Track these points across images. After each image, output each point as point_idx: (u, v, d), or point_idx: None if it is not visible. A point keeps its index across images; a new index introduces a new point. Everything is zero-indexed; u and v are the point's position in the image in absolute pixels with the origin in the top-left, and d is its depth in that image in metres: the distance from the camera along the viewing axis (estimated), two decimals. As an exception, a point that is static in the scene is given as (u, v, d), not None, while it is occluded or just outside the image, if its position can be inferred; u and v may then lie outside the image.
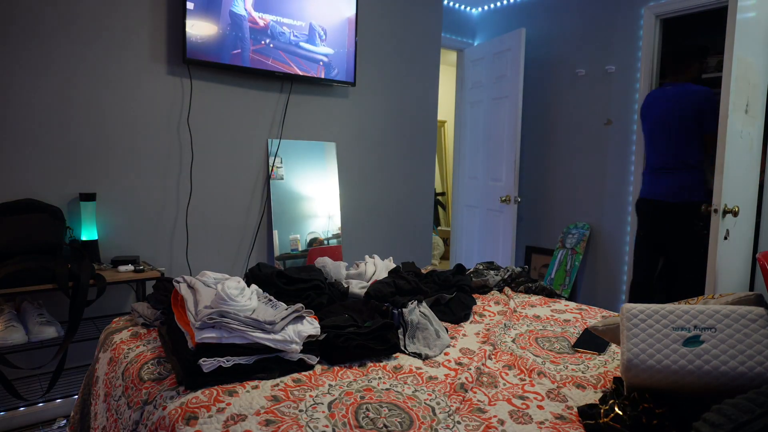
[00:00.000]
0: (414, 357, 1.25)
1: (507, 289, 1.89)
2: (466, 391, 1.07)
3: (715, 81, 2.91)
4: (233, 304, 1.14)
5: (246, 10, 2.62)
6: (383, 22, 3.30)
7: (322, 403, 0.99)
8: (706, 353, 0.91)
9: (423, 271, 1.89)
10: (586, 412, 0.97)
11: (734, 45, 2.28)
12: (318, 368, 1.15)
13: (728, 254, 2.50)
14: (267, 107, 2.85)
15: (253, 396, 1.00)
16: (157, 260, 2.52)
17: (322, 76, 2.93)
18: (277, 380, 1.08)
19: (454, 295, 1.64)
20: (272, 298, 1.28)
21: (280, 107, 2.89)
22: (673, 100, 2.72)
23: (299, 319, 1.19)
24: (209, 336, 1.07)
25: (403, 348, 1.28)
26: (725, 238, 2.42)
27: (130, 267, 2.21)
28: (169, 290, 1.37)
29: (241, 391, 1.02)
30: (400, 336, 1.31)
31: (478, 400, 1.03)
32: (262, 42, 2.69)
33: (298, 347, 1.13)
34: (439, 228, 6.12)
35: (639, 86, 3.41)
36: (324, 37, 2.92)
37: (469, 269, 2.05)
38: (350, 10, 2.99)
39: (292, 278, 1.53)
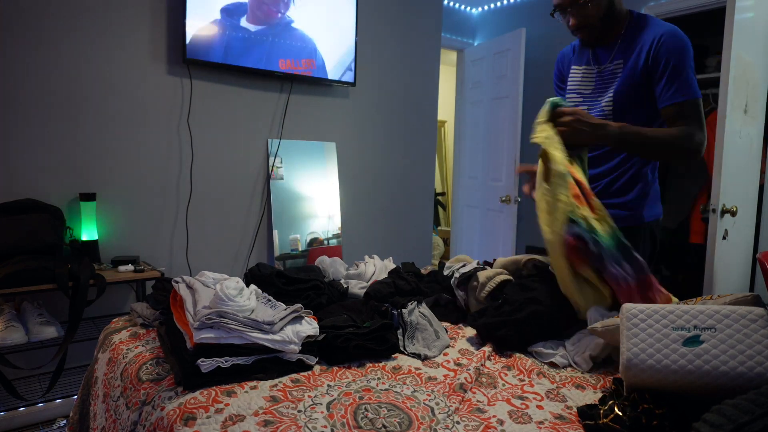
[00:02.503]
0: (413, 357, 1.25)
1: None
2: (465, 391, 1.06)
3: (714, 81, 2.91)
4: (232, 304, 1.14)
5: (246, 9, 2.62)
6: (383, 22, 3.30)
7: (321, 404, 0.99)
8: (705, 353, 0.91)
9: (423, 271, 1.89)
10: (585, 412, 0.96)
11: (732, 45, 2.28)
12: (317, 368, 1.15)
13: (727, 254, 2.50)
14: (267, 107, 2.85)
15: (251, 396, 1.00)
16: (157, 260, 2.52)
17: (322, 76, 2.93)
18: (276, 380, 1.07)
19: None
20: (271, 298, 1.27)
21: (280, 107, 2.89)
22: None
23: (298, 319, 1.19)
24: (208, 336, 1.07)
25: (402, 348, 1.28)
26: (724, 238, 2.42)
27: (130, 267, 2.21)
28: (169, 290, 1.37)
29: (239, 391, 1.02)
30: (400, 336, 1.31)
31: (477, 401, 1.03)
32: (263, 42, 2.69)
33: (296, 347, 1.13)
34: (439, 228, 6.11)
35: (639, 86, 3.40)
36: (324, 37, 2.92)
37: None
38: (350, 11, 2.99)
39: (292, 278, 1.53)
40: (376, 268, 1.80)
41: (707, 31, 3.44)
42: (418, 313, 1.36)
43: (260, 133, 2.84)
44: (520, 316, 1.28)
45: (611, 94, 1.54)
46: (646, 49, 1.48)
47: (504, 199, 3.90)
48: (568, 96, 1.67)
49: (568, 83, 1.66)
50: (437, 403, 1.02)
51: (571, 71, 1.67)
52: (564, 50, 1.78)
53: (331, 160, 3.12)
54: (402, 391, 1.06)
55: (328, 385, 1.07)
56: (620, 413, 0.90)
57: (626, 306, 1.03)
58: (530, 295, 1.33)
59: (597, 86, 1.59)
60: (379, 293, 1.50)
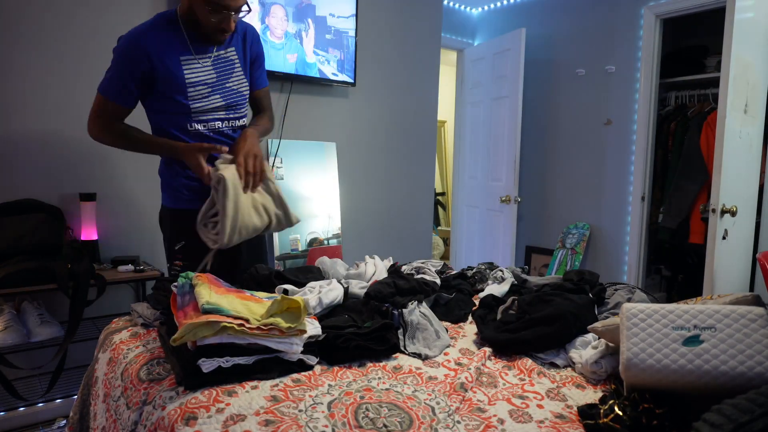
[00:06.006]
0: (414, 357, 1.25)
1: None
2: (466, 390, 1.07)
3: (714, 81, 2.91)
4: (233, 304, 1.14)
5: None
6: (383, 22, 3.30)
7: (322, 403, 0.99)
8: (705, 353, 0.92)
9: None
10: (585, 412, 0.96)
11: (732, 45, 2.28)
12: (317, 368, 1.15)
13: (727, 254, 2.50)
14: (267, 107, 2.85)
15: (252, 396, 1.00)
16: (157, 260, 2.52)
17: (322, 76, 2.93)
18: (277, 380, 1.08)
19: (454, 295, 1.64)
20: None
21: (280, 107, 2.89)
22: None
23: (299, 319, 1.19)
24: (209, 336, 1.07)
25: (402, 348, 1.28)
26: (724, 238, 2.42)
27: (130, 267, 2.21)
28: (169, 290, 1.37)
29: (240, 391, 1.02)
30: (400, 336, 1.31)
31: (478, 400, 1.03)
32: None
33: (298, 348, 1.13)
34: (439, 228, 6.11)
35: (639, 86, 3.41)
36: (324, 37, 2.92)
37: (473, 268, 2.05)
38: (350, 11, 3.00)
39: (290, 280, 1.53)
40: (377, 268, 1.80)
41: (707, 31, 3.44)
42: (418, 312, 1.36)
43: (260, 133, 2.84)
44: (528, 335, 1.26)
45: (243, 78, 1.72)
46: (242, 38, 1.72)
47: (504, 199, 3.90)
48: (190, 90, 1.61)
49: (186, 76, 1.59)
50: (438, 403, 1.02)
51: (184, 63, 1.60)
52: (140, 39, 1.55)
53: (331, 160, 3.12)
54: (403, 390, 1.07)
55: (329, 385, 1.07)
56: (620, 413, 0.90)
57: (626, 306, 1.03)
58: (544, 312, 1.29)
59: (219, 74, 1.67)
60: (379, 293, 1.50)
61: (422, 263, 1.89)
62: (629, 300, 1.47)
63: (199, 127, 1.65)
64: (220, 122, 1.69)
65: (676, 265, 3.73)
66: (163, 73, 1.56)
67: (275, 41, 2.73)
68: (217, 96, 1.66)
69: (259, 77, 1.80)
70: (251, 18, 2.64)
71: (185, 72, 1.59)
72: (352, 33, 3.01)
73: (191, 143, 1.59)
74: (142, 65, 1.53)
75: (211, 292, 1.17)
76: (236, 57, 1.70)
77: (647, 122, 3.36)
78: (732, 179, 2.42)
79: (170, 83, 1.58)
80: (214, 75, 1.65)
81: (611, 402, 0.94)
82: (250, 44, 1.74)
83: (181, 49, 1.59)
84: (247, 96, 1.76)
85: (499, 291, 1.64)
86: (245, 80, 1.73)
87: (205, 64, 1.63)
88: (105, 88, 1.57)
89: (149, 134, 1.66)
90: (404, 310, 1.38)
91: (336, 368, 1.16)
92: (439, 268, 1.95)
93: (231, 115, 1.71)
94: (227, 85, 1.68)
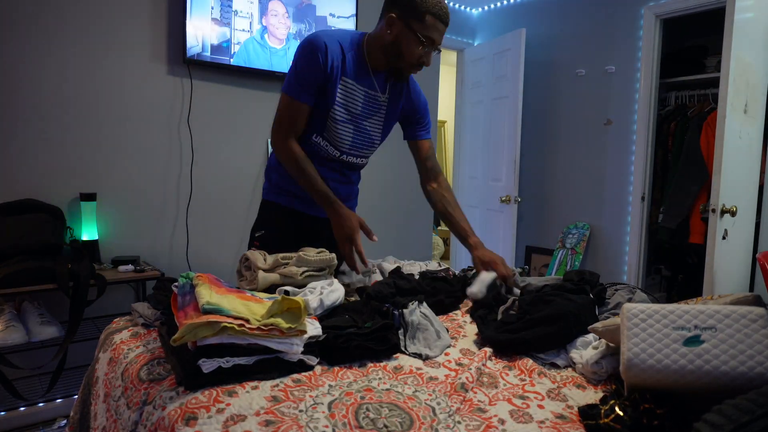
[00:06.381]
0: (414, 357, 1.25)
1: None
2: (467, 391, 1.06)
3: (714, 81, 2.91)
4: (233, 304, 1.13)
5: (247, 10, 2.62)
6: (383, 22, 3.29)
7: (322, 404, 0.99)
8: (706, 353, 0.92)
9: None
10: (586, 412, 0.96)
11: (732, 45, 2.28)
12: (318, 369, 1.15)
13: (727, 254, 2.50)
14: (267, 107, 2.85)
15: (252, 396, 1.00)
16: (157, 260, 2.52)
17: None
18: (277, 380, 1.07)
19: (437, 284, 1.66)
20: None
21: (280, 107, 2.89)
22: None
23: (299, 319, 1.19)
24: (209, 336, 1.07)
25: (403, 348, 1.28)
26: (724, 238, 2.43)
27: (130, 267, 2.22)
28: (170, 290, 1.37)
29: (240, 391, 1.02)
30: (401, 336, 1.31)
31: (479, 400, 1.03)
32: (263, 42, 2.69)
33: (299, 348, 1.13)
34: (439, 228, 6.11)
35: (639, 86, 3.41)
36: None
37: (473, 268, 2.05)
38: (350, 11, 2.99)
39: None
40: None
41: (707, 31, 3.44)
42: (419, 313, 1.36)
43: (260, 133, 2.84)
44: (528, 336, 1.25)
45: (380, 126, 1.78)
46: (403, 89, 1.77)
47: (504, 199, 3.90)
48: (334, 109, 1.64)
49: (338, 94, 1.63)
50: (438, 403, 1.02)
51: (343, 83, 1.64)
52: (329, 43, 1.58)
53: (331, 160, 3.12)
54: (403, 390, 1.07)
55: (330, 385, 1.07)
56: (621, 413, 0.90)
57: (627, 306, 1.03)
58: (544, 312, 1.29)
59: (365, 109, 1.71)
60: (379, 293, 1.50)
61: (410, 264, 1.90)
62: (630, 300, 1.47)
63: (321, 142, 1.69)
64: (338, 152, 1.73)
65: (676, 265, 3.73)
66: (327, 86, 1.60)
67: (276, 47, 2.73)
68: (351, 127, 1.70)
69: (421, 129, 1.88)
70: (252, 19, 2.64)
71: (339, 90, 1.62)
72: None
73: (352, 216, 1.70)
74: (320, 73, 1.57)
75: (211, 292, 1.17)
76: (386, 105, 1.75)
77: (647, 122, 3.37)
78: (732, 179, 2.42)
79: (325, 95, 1.62)
80: (360, 108, 1.69)
81: (612, 402, 0.94)
82: (407, 96, 1.79)
83: (348, 71, 1.62)
84: (376, 145, 1.82)
85: (489, 278, 1.63)
86: (381, 129, 1.79)
87: (359, 93, 1.67)
88: (287, 86, 1.60)
89: (318, 177, 1.67)
90: (405, 310, 1.38)
91: (336, 368, 1.16)
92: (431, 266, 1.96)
93: (350, 152, 1.76)
94: (364, 123, 1.72)
